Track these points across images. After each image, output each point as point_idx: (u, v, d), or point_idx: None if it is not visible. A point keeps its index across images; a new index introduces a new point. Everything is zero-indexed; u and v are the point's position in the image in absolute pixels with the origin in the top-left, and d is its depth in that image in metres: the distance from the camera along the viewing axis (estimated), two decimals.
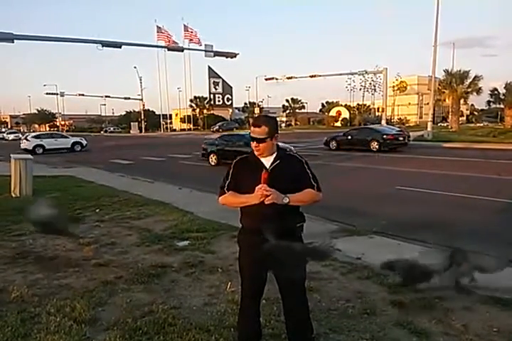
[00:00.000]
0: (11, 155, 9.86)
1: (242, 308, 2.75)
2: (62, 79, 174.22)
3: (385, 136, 20.32)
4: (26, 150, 24.67)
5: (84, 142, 27.52)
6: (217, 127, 56.89)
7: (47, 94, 65.16)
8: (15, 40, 17.30)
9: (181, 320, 3.21)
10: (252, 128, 2.46)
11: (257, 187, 2.31)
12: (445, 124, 52.31)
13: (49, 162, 18.02)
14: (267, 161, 2.48)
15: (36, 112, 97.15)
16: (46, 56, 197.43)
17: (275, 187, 2.31)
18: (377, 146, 20.19)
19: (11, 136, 51.24)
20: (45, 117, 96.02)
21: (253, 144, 2.44)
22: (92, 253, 4.96)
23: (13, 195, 8.89)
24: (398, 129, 24.38)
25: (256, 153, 2.47)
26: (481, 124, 54.19)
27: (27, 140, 26.58)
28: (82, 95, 67.66)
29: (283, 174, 2.43)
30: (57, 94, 67.11)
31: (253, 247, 2.34)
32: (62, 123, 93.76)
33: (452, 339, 2.96)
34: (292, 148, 13.33)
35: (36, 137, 27.06)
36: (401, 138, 20.88)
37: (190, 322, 3.19)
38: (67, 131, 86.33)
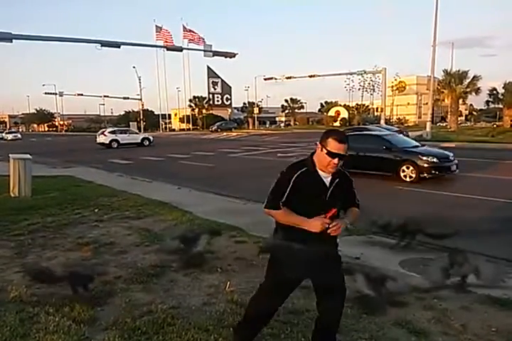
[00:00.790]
0: (10, 155, 9.84)
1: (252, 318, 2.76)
2: (61, 79, 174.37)
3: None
4: (103, 145, 28.04)
5: (151, 138, 30.53)
6: (215, 127, 56.83)
7: (46, 93, 64.93)
8: (13, 40, 17.27)
9: (180, 320, 3.21)
10: (337, 144, 2.35)
11: (321, 221, 2.32)
12: (444, 124, 52.43)
13: (48, 162, 18.00)
14: (326, 177, 2.45)
15: (35, 112, 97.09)
16: (45, 56, 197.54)
17: (333, 206, 2.38)
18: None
19: (10, 136, 51.16)
20: (43, 117, 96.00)
21: (334, 161, 2.37)
22: (91, 254, 4.95)
23: (12, 195, 8.88)
24: (396, 129, 24.41)
25: (331, 169, 2.41)
26: (481, 124, 54.37)
27: (104, 135, 28.75)
28: (81, 95, 67.50)
29: (339, 192, 2.47)
30: (56, 93, 67.00)
31: (301, 258, 2.33)
32: (61, 123, 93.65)
33: (451, 338, 2.97)
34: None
35: (112, 133, 29.30)
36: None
37: (189, 321, 3.19)
38: (65, 131, 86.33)
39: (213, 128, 56.45)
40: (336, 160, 2.36)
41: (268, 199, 2.48)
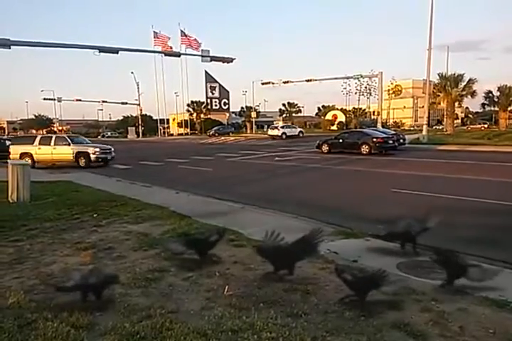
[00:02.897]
0: (8, 160, 9.85)
1: None
2: (60, 85, 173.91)
3: (374, 140, 20.46)
4: (275, 136, 38.60)
5: (303, 131, 42.48)
6: (213, 131, 56.77)
7: (44, 99, 65.18)
8: (12, 46, 17.33)
9: (179, 324, 3.21)
10: None
11: None
12: (440, 127, 52.66)
13: (46, 167, 18.00)
14: None
15: (33, 118, 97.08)
16: (43, 62, 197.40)
17: None
18: (367, 149, 20.33)
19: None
20: (42, 122, 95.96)
21: None
22: (90, 259, 4.95)
23: (11, 201, 8.87)
24: (393, 132, 24.53)
25: None
26: (485, 126, 54.69)
27: (277, 129, 40.60)
28: (80, 100, 67.60)
29: None
30: (54, 99, 67.10)
31: None
32: (60, 128, 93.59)
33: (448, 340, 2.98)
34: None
35: (282, 127, 41.87)
36: (391, 142, 20.97)
37: (188, 326, 3.19)
38: None
39: (211, 133, 56.41)
40: None
41: None
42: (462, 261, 4.02)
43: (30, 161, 17.91)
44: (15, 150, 18.96)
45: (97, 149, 18.47)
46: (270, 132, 40.85)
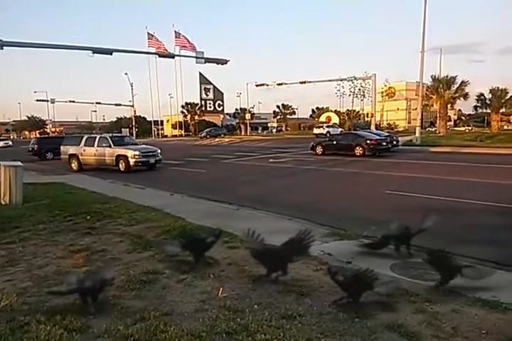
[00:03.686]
0: (0, 162, 9.76)
1: None
2: (53, 86, 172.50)
3: (368, 141, 20.58)
4: (319, 134, 41.42)
5: (341, 129, 43.16)
6: (204, 133, 56.07)
7: (37, 100, 64.42)
8: (4, 47, 17.19)
9: (173, 327, 3.20)
10: None
11: None
12: (433, 129, 53.05)
13: (39, 169, 17.87)
14: None
15: (26, 119, 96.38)
16: (36, 63, 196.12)
17: None
18: (361, 151, 20.44)
19: (1, 143, 50.61)
20: (35, 124, 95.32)
21: None
22: (83, 261, 4.92)
23: (3, 203, 8.80)
24: (386, 134, 24.67)
25: None
26: (469, 128, 55.25)
27: (323, 128, 44.97)
28: (73, 102, 67.00)
29: None
30: (47, 100, 66.48)
31: None
32: (53, 129, 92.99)
33: None
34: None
35: (327, 127, 45.34)
36: (384, 144, 21.12)
37: (182, 328, 3.19)
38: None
39: (202, 135, 55.70)
40: None
41: None
42: (454, 262, 4.05)
43: (77, 164, 17.70)
44: (64, 151, 18.24)
45: (137, 152, 16.31)
46: (316, 131, 45.43)
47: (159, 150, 17.34)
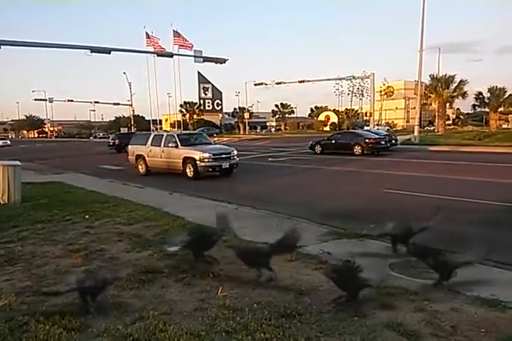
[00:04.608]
0: None
1: None
2: (51, 85, 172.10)
3: (367, 140, 20.61)
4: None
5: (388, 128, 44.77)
6: None
7: (35, 100, 64.36)
8: (2, 46, 17.15)
9: (172, 326, 3.20)
10: None
11: None
12: (431, 128, 53.09)
13: (38, 168, 17.83)
14: None
15: (25, 118, 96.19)
16: (35, 62, 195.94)
17: None
18: (360, 150, 20.47)
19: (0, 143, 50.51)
20: (33, 123, 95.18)
21: None
22: (82, 260, 4.91)
23: (1, 202, 8.78)
24: (385, 133, 24.69)
25: None
26: (467, 127, 55.34)
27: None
28: (71, 101, 66.94)
29: None
30: (45, 100, 66.32)
31: None
32: (51, 129, 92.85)
33: (441, 340, 3.00)
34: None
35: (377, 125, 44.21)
36: (383, 142, 21.15)
37: (182, 327, 3.18)
38: (55, 137, 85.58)
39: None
40: None
41: None
42: (450, 260, 4.05)
43: (144, 167, 15.13)
44: (132, 152, 15.87)
45: (206, 154, 13.10)
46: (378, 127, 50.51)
47: (235, 152, 14.07)
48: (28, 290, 4.00)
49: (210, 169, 13.29)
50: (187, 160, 13.48)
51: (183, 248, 4.76)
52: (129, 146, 16.18)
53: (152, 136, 15.41)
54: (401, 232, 5.01)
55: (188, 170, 13.47)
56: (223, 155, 13.60)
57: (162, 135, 15.04)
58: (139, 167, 15.31)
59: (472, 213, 7.51)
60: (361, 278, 3.55)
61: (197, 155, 13.21)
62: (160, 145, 14.47)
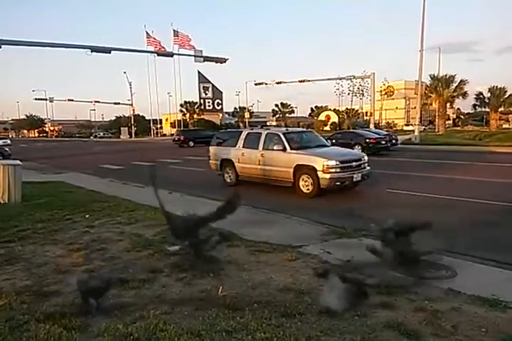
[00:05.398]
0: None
1: None
2: (52, 85, 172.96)
3: (367, 140, 20.60)
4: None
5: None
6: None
7: (36, 99, 64.56)
8: (2, 46, 17.16)
9: (172, 326, 3.20)
10: None
11: None
12: (429, 127, 53.13)
13: (38, 168, 17.83)
14: None
15: (25, 118, 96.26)
16: (35, 61, 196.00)
17: None
18: (360, 150, 20.41)
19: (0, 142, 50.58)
20: (34, 123, 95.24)
21: None
22: (82, 260, 4.91)
23: (2, 202, 8.77)
24: (385, 133, 24.69)
25: None
26: (468, 127, 55.29)
27: (412, 125, 45.07)
28: (72, 100, 67.11)
29: None
30: (46, 99, 66.51)
31: None
32: (52, 128, 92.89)
33: (442, 340, 3.00)
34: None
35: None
36: (383, 142, 21.15)
37: (182, 327, 3.18)
38: (56, 136, 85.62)
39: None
40: None
41: None
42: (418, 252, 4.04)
43: (233, 175, 11.40)
44: (214, 154, 12.19)
45: (333, 162, 9.25)
46: (405, 128, 50.89)
47: (366, 157, 10.23)
48: (28, 290, 4.00)
49: (338, 183, 9.32)
50: (302, 169, 9.65)
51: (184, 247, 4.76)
52: (211, 147, 12.54)
53: (245, 134, 11.37)
54: (399, 230, 4.86)
55: (302, 184, 9.65)
56: (353, 163, 9.65)
57: (260, 133, 10.94)
58: (226, 175, 11.83)
59: (476, 213, 7.51)
60: (356, 278, 3.55)
61: (318, 162, 9.34)
62: (257, 148, 10.66)
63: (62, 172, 15.69)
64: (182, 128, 41.76)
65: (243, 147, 11.12)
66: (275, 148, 10.21)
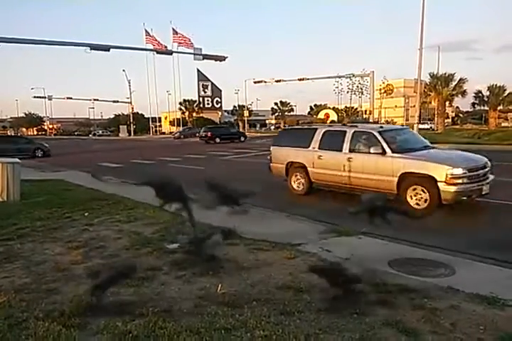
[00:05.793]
0: None
1: None
2: (50, 83, 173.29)
3: None
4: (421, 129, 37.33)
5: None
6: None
7: (34, 97, 64.56)
8: (1, 43, 17.12)
9: (172, 323, 3.20)
10: None
11: None
12: (428, 126, 53.09)
13: (37, 166, 17.81)
14: None
15: (24, 116, 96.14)
16: (34, 59, 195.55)
17: None
18: None
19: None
20: (32, 121, 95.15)
21: None
22: (81, 257, 4.91)
23: (0, 199, 8.76)
24: None
25: None
26: (467, 126, 55.28)
27: (426, 124, 45.66)
28: (70, 98, 67.04)
29: None
30: (44, 97, 66.46)
31: None
32: (50, 126, 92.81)
33: (440, 337, 3.01)
34: None
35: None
36: None
37: (181, 324, 3.18)
38: (55, 134, 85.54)
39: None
40: None
41: None
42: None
43: (304, 182, 9.35)
44: (277, 157, 10.12)
45: (459, 170, 7.20)
46: (420, 126, 51.99)
47: (489, 163, 7.94)
48: (27, 288, 4.00)
49: (465, 197, 7.32)
50: (411, 178, 7.57)
51: (183, 245, 4.76)
52: (272, 148, 10.43)
53: (321, 132, 9.17)
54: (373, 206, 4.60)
55: (411, 196, 7.54)
56: (481, 171, 7.56)
57: (343, 132, 8.77)
58: (293, 182, 9.71)
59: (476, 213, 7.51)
60: (352, 275, 3.58)
61: (440, 171, 7.23)
62: (341, 150, 8.58)
63: (61, 171, 15.68)
64: (209, 126, 41.31)
65: (319, 148, 8.98)
66: (370, 150, 8.07)
